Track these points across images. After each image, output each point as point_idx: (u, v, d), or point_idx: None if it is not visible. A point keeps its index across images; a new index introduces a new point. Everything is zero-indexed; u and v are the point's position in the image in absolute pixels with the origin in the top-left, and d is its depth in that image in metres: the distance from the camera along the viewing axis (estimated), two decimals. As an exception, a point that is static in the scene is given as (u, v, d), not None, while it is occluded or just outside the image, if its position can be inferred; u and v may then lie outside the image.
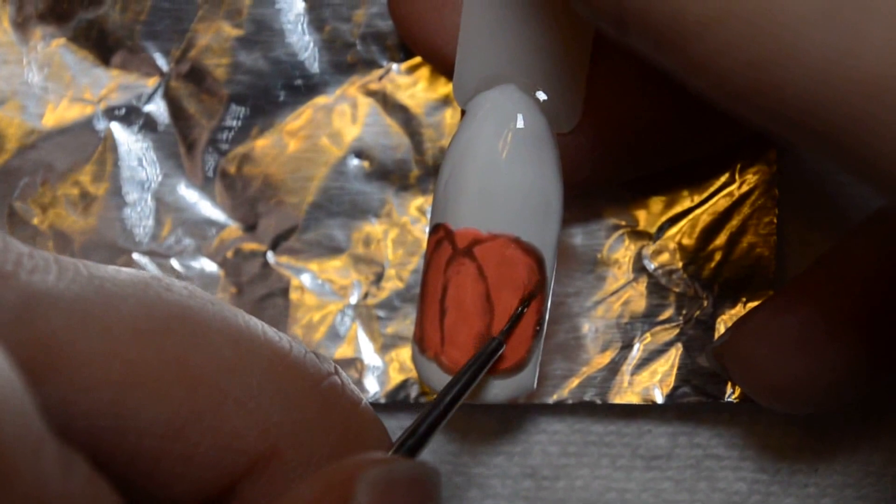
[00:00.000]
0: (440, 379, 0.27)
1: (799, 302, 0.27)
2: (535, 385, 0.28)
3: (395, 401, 0.30)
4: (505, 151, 0.26)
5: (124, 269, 0.22)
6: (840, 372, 0.26)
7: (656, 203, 0.30)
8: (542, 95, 0.27)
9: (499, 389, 0.28)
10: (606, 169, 0.28)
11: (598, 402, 0.30)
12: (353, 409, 0.23)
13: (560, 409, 0.31)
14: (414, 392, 0.30)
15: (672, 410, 0.30)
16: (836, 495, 0.31)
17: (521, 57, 0.27)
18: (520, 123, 0.27)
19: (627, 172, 0.29)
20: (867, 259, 0.26)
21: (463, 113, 0.28)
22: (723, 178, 0.30)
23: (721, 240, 0.30)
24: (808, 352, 0.26)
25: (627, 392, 0.30)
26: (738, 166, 0.30)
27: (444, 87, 0.30)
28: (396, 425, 0.31)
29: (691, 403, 0.30)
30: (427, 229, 0.30)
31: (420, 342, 0.28)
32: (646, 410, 0.30)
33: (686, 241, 0.30)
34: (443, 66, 0.28)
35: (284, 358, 0.22)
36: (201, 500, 0.22)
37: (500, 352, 0.26)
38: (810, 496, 0.31)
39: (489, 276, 0.27)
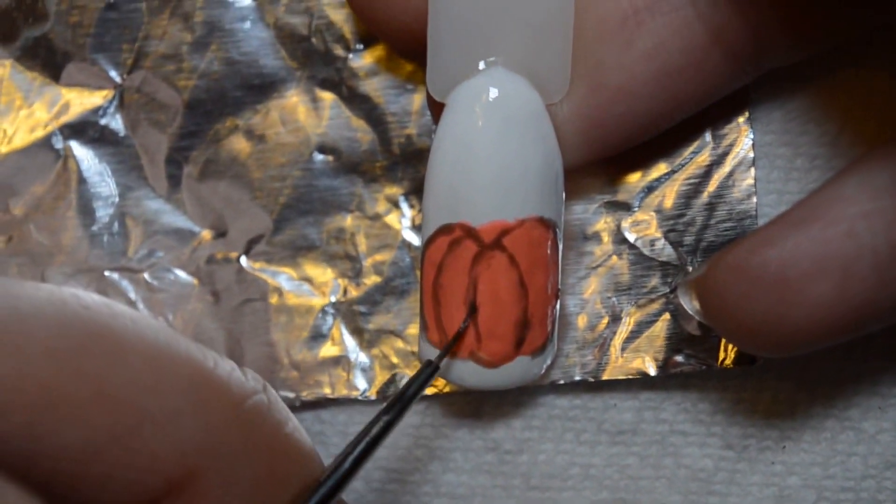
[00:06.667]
0: (479, 376, 0.27)
1: (780, 238, 0.25)
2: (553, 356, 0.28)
3: (386, 396, 0.30)
4: (510, 135, 0.26)
5: (44, 286, 0.21)
6: (817, 313, 0.25)
7: (632, 173, 0.29)
8: (528, 69, 0.26)
9: (528, 368, 0.27)
10: (596, 143, 0.27)
11: (591, 380, 0.29)
12: (279, 430, 0.23)
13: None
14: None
15: (637, 384, 0.30)
16: (804, 474, 0.30)
17: (501, 35, 0.26)
18: (517, 104, 0.26)
19: (616, 144, 0.28)
20: (853, 200, 0.25)
21: (437, 105, 0.27)
22: (696, 142, 0.29)
23: (701, 203, 0.29)
24: (786, 290, 0.25)
25: (619, 368, 0.29)
26: (711, 129, 0.29)
27: (405, 72, 0.30)
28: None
29: (684, 373, 0.29)
30: (403, 221, 0.30)
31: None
32: (612, 384, 0.30)
33: (665, 209, 0.29)
34: (411, 49, 0.27)
35: (206, 376, 0.22)
36: None
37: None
38: (777, 474, 0.30)
39: (521, 261, 0.26)
